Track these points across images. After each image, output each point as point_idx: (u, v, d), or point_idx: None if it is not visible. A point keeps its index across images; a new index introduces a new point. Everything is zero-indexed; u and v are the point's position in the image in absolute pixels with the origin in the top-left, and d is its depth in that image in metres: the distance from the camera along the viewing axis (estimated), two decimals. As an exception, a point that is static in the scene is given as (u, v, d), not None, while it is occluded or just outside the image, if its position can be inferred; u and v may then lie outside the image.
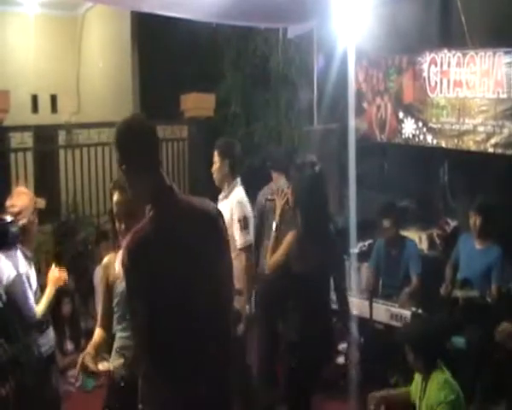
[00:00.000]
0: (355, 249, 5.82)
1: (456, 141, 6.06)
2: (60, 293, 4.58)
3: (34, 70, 8.90)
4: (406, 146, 6.64)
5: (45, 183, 7.17)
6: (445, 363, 3.98)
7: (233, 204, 4.75)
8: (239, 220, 4.71)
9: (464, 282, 5.35)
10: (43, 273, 4.41)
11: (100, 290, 3.45)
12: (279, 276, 4.17)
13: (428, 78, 6.28)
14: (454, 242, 5.82)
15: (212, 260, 2.61)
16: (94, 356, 3.16)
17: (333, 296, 4.19)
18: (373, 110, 6.98)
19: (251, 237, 4.82)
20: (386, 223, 5.81)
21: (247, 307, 4.68)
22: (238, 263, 4.45)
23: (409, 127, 6.55)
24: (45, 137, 7.65)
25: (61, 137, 7.73)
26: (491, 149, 5.73)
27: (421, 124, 6.41)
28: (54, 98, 9.39)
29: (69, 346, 6.04)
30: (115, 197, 3.14)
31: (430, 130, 6.31)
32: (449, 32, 6.46)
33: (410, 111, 6.54)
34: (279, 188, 4.64)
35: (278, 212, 4.32)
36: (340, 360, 5.68)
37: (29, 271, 3.97)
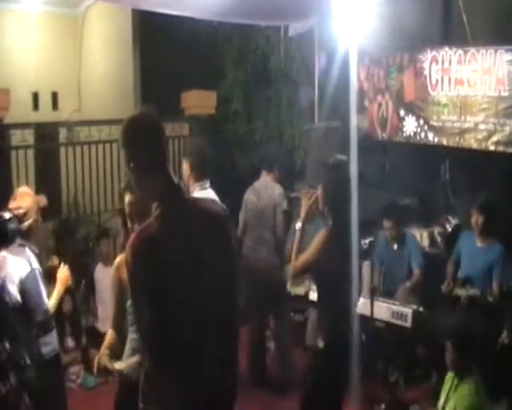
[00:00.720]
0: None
1: (457, 139, 6.05)
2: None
3: (35, 67, 8.89)
4: (407, 144, 6.64)
5: (46, 180, 7.15)
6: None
7: None
8: None
9: (465, 280, 5.35)
10: (45, 271, 4.41)
11: (112, 291, 3.40)
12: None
13: (430, 76, 6.27)
14: (455, 240, 5.82)
15: (217, 260, 2.57)
16: (109, 356, 3.17)
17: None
18: (374, 108, 6.98)
19: None
20: (387, 223, 5.82)
21: None
22: None
23: (410, 125, 6.55)
24: (46, 135, 7.65)
25: (62, 134, 7.73)
26: (492, 147, 5.72)
27: (422, 122, 6.41)
28: (55, 96, 9.38)
29: (70, 343, 6.04)
30: (127, 198, 3.13)
31: (431, 128, 6.31)
32: (450, 30, 6.46)
33: (411, 109, 6.53)
34: (305, 188, 4.53)
35: (304, 212, 4.18)
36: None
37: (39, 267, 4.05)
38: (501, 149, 5.65)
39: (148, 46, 8.33)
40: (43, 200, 4.24)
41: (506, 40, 5.57)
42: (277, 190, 5.90)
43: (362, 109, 6.88)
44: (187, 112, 7.81)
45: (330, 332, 3.94)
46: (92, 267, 6.52)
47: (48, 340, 4.05)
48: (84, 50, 9.60)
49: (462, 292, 5.28)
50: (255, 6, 5.58)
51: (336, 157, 4.30)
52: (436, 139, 6.29)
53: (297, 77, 7.90)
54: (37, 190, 4.52)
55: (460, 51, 5.95)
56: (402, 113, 6.63)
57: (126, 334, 3.31)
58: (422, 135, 6.42)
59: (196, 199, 2.67)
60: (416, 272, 5.79)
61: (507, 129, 5.57)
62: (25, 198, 4.07)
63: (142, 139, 2.55)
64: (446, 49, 6.09)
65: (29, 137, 6.83)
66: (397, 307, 5.30)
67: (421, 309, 5.30)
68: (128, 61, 8.44)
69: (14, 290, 3.87)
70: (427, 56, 6.28)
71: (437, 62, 6.18)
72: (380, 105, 6.91)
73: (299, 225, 4.17)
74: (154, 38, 8.14)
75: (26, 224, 3.98)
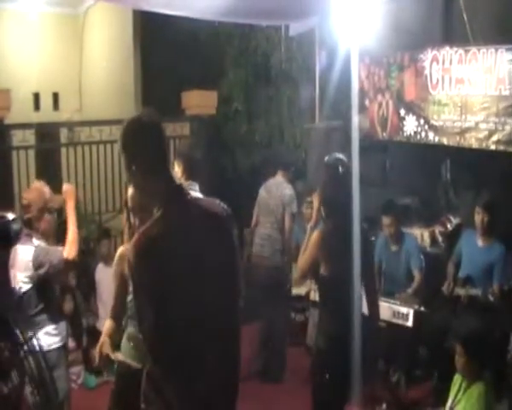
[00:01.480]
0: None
1: (457, 138, 6.05)
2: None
3: (36, 68, 8.89)
4: (408, 143, 6.64)
5: (47, 181, 7.12)
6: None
7: None
8: None
9: (466, 279, 5.34)
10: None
11: (114, 282, 3.40)
12: None
13: (430, 75, 6.27)
14: (456, 239, 5.82)
15: (219, 260, 2.57)
16: (111, 344, 3.18)
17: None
18: (375, 108, 6.98)
19: None
20: (386, 219, 5.81)
21: None
22: None
23: (410, 125, 6.55)
24: (47, 135, 7.66)
25: (63, 134, 7.73)
26: (492, 146, 5.72)
27: (422, 121, 6.40)
28: (56, 96, 9.38)
29: (70, 343, 6.03)
30: (130, 191, 3.13)
31: (432, 127, 6.31)
32: (451, 29, 6.45)
33: (411, 108, 6.53)
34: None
35: (315, 214, 4.25)
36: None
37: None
38: (502, 148, 5.65)
39: (149, 46, 8.33)
40: (56, 200, 4.33)
41: (507, 39, 5.57)
42: (288, 190, 5.96)
43: (362, 109, 6.88)
44: (188, 112, 7.81)
45: (332, 332, 3.94)
46: (93, 267, 6.52)
47: (44, 333, 4.11)
48: (84, 51, 9.60)
49: (462, 292, 5.28)
50: (256, 6, 5.59)
51: (333, 156, 4.29)
52: (437, 139, 6.28)
53: (298, 76, 7.91)
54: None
55: (461, 51, 5.94)
56: (402, 112, 6.63)
57: (124, 325, 3.31)
58: (423, 134, 6.42)
59: (198, 199, 2.66)
60: (417, 275, 5.75)
61: (508, 128, 5.57)
62: (32, 191, 4.28)
63: (143, 141, 2.54)
64: (447, 48, 6.09)
65: (30, 137, 6.83)
66: (398, 307, 5.30)
67: (422, 309, 5.30)
68: (129, 61, 8.44)
69: (21, 278, 3.99)
70: (427, 56, 6.28)
71: (437, 62, 6.18)
72: (380, 104, 6.91)
73: (308, 227, 4.26)
74: (154, 38, 8.14)
75: (28, 216, 4.12)
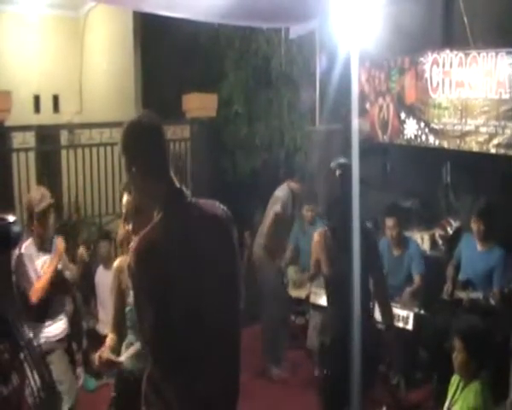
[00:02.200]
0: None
1: (458, 142, 6.05)
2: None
3: (36, 70, 8.90)
4: (408, 147, 6.64)
5: (47, 183, 7.14)
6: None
7: None
8: None
9: (467, 283, 5.34)
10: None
11: (112, 295, 3.34)
12: None
13: (430, 78, 6.28)
14: (456, 242, 5.82)
15: (220, 264, 2.57)
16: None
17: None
18: (375, 111, 6.98)
19: None
20: (389, 221, 5.81)
21: None
22: None
23: (411, 128, 6.55)
24: (47, 137, 7.66)
25: (63, 137, 7.73)
26: (493, 150, 5.72)
27: (423, 124, 6.41)
28: (56, 98, 9.38)
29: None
30: (124, 199, 3.12)
31: (432, 130, 6.31)
32: (451, 33, 6.46)
33: (412, 112, 6.53)
34: None
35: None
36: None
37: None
38: (502, 151, 5.65)
39: (150, 48, 8.33)
40: (42, 204, 4.50)
41: (507, 43, 5.57)
42: (278, 192, 6.01)
43: (363, 112, 6.88)
44: (188, 114, 7.82)
45: (337, 330, 3.95)
46: (93, 270, 6.51)
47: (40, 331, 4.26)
48: (85, 53, 9.60)
49: (463, 295, 5.28)
50: (256, 8, 5.59)
51: (338, 161, 4.31)
52: (437, 142, 6.28)
53: (298, 79, 7.91)
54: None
55: (461, 54, 5.95)
56: (403, 115, 6.63)
57: (125, 337, 3.29)
58: (423, 138, 6.42)
59: (199, 202, 2.62)
60: (417, 279, 5.75)
61: (508, 132, 5.57)
62: (26, 195, 4.75)
63: (144, 143, 2.54)
64: (447, 51, 6.09)
65: (30, 139, 6.82)
66: (398, 310, 5.29)
67: (422, 312, 5.30)
68: (129, 63, 8.44)
69: None
70: (428, 59, 6.28)
71: (438, 65, 6.18)
72: (381, 108, 6.92)
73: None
74: (155, 40, 8.15)
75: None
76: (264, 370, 6.09)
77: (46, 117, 9.02)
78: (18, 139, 6.65)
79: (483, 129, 5.78)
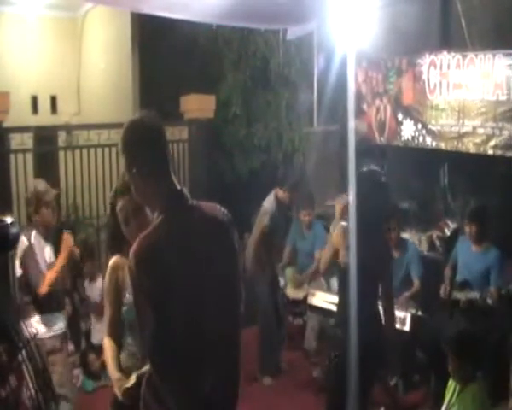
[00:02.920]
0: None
1: (455, 143, 6.07)
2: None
3: (34, 71, 8.90)
4: (406, 148, 6.65)
5: (45, 184, 7.15)
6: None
7: None
8: None
9: (463, 283, 5.34)
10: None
11: (107, 295, 3.22)
12: None
13: (428, 80, 6.29)
14: (454, 243, 5.82)
15: (221, 267, 2.56)
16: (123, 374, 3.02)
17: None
18: (372, 112, 7.00)
19: None
20: (387, 225, 5.81)
21: None
22: None
23: (408, 129, 6.57)
24: (45, 139, 7.63)
25: (61, 138, 7.71)
26: (490, 151, 5.74)
27: (420, 126, 6.42)
28: (54, 99, 9.38)
29: (69, 346, 6.03)
30: (119, 205, 3.03)
31: (429, 132, 6.33)
32: (449, 35, 6.48)
33: (409, 113, 6.55)
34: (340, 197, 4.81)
35: (337, 217, 4.36)
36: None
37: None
38: (499, 152, 5.67)
39: (148, 50, 8.33)
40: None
41: (504, 45, 5.59)
42: (267, 203, 6.00)
43: (360, 113, 6.90)
44: (186, 116, 7.81)
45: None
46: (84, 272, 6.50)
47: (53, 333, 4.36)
48: (83, 54, 9.60)
49: (461, 296, 5.28)
50: (254, 9, 5.59)
51: (368, 168, 4.35)
52: (434, 143, 6.30)
53: (296, 80, 7.91)
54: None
55: (458, 56, 5.96)
56: (400, 117, 6.65)
57: (122, 339, 3.25)
58: (420, 139, 6.44)
59: (199, 205, 2.60)
60: (416, 282, 5.75)
61: (505, 133, 5.58)
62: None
63: (144, 142, 2.52)
64: (445, 53, 6.11)
65: (28, 140, 6.81)
66: (396, 312, 5.29)
67: (419, 313, 5.30)
68: (127, 64, 8.44)
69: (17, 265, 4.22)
70: (425, 60, 6.30)
71: (435, 66, 6.20)
72: (378, 109, 6.93)
73: (331, 228, 4.48)
74: (153, 41, 8.14)
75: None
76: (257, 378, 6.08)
77: (44, 118, 9.02)
78: (16, 140, 6.64)
79: (480, 130, 5.80)
